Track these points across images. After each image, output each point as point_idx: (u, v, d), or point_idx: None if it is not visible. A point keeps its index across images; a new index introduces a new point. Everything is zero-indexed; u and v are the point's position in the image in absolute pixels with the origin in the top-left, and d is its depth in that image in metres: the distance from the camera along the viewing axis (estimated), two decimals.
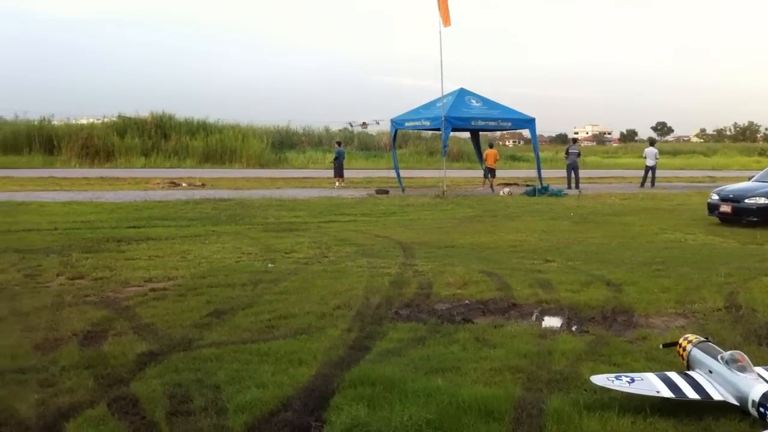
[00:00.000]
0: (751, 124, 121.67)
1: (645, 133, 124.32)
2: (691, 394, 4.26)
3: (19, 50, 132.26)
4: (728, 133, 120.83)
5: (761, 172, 17.17)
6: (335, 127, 60.96)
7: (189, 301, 7.23)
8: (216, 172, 34.84)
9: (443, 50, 25.11)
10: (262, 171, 38.78)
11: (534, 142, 28.47)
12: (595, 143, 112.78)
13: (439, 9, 23.87)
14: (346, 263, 9.71)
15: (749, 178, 17.29)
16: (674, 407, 4.23)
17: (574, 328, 6.34)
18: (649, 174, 29.44)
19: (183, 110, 61.48)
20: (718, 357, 4.42)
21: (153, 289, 7.84)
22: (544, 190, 24.67)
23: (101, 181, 27.69)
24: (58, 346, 5.60)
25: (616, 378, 4.40)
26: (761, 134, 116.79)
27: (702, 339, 4.80)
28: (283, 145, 52.11)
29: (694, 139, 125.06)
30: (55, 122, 47.44)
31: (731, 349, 4.52)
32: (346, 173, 29.87)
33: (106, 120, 48.75)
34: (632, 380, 4.36)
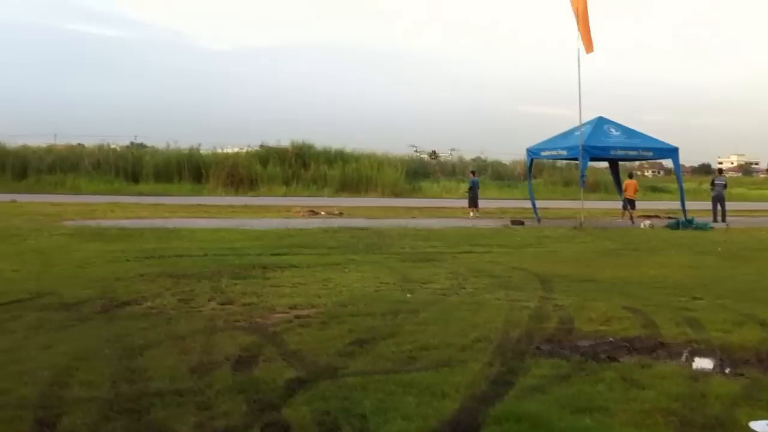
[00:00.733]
0: None
1: None
2: None
3: (174, 81, 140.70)
4: None
5: None
6: (468, 157, 61.06)
7: (332, 329, 7.43)
8: (352, 200, 35.67)
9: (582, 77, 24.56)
10: (396, 200, 39.33)
11: (677, 172, 27.38)
12: (740, 174, 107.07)
13: (581, 34, 23.47)
14: (484, 295, 9.69)
15: None
16: None
17: (727, 371, 6.06)
18: None
19: (321, 138, 63.53)
20: None
21: (298, 316, 8.10)
22: (689, 223, 23.61)
23: (245, 208, 28.92)
24: (213, 370, 5.86)
25: None
26: None
27: None
28: (417, 174, 52.69)
29: None
30: (203, 151, 50.17)
31: None
32: (480, 203, 29.81)
33: (249, 149, 51.08)
34: None
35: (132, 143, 58.09)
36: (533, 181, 34.55)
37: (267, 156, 47.74)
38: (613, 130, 25.67)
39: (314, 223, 22.54)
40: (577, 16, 23.34)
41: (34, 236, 16.61)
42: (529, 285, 10.73)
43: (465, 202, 30.28)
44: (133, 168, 45.53)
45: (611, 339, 7.08)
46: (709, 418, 4.75)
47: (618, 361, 6.28)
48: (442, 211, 30.82)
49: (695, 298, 9.61)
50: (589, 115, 26.55)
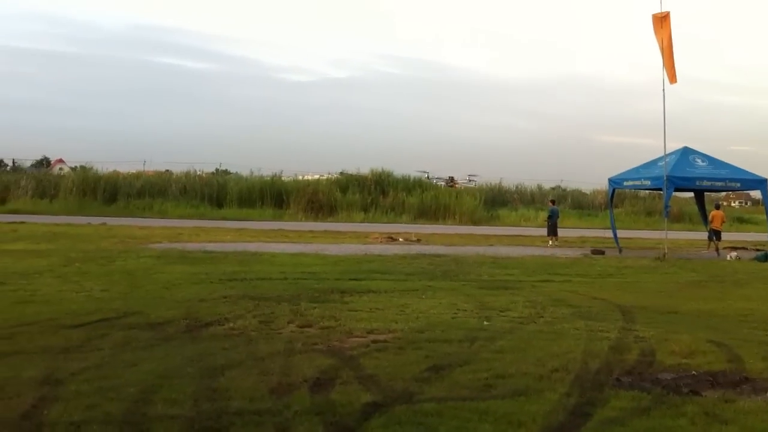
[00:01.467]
0: None
1: None
2: None
3: (257, 111, 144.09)
4: None
5: None
6: (548, 185, 60.40)
7: (408, 355, 7.46)
8: (430, 227, 35.71)
9: (666, 107, 24.18)
10: (474, 228, 39.15)
11: (766, 203, 26.38)
12: None
13: (665, 65, 23.12)
14: (563, 325, 9.55)
15: None
16: None
17: None
18: None
19: (400, 168, 64.10)
20: None
21: (375, 341, 8.16)
22: None
23: (325, 234, 29.29)
24: (291, 391, 5.96)
25: None
26: None
27: None
28: (495, 202, 52.41)
29: None
30: (285, 178, 51.23)
31: None
32: (560, 232, 29.41)
33: (329, 176, 51.91)
34: None
35: (217, 170, 59.84)
36: (615, 211, 33.89)
37: (346, 183, 48.41)
38: (699, 161, 25.06)
39: (392, 249, 22.65)
40: (661, 47, 23.01)
41: (122, 258, 17.23)
42: (610, 315, 10.52)
43: (544, 231, 29.92)
44: (217, 194, 46.78)
45: (694, 372, 6.89)
46: None
47: (701, 395, 6.10)
48: (520, 239, 30.50)
49: None
50: (673, 146, 26.10)
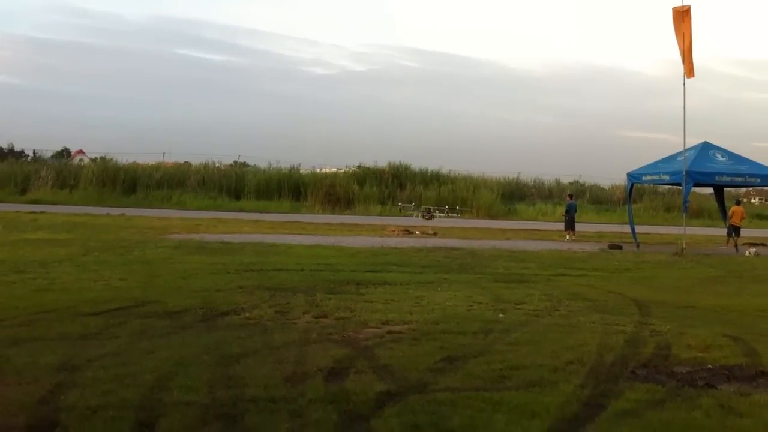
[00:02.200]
0: None
1: None
2: None
3: (276, 103, 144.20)
4: None
5: None
6: (566, 180, 60.12)
7: (423, 346, 7.47)
8: (447, 221, 35.65)
9: (688, 103, 23.93)
10: (491, 222, 39.08)
11: None
12: None
13: (683, 59, 22.93)
14: (578, 318, 9.53)
15: None
16: None
17: None
18: None
19: (418, 161, 63.86)
20: None
21: (390, 332, 8.18)
22: None
23: (342, 226, 29.37)
24: (305, 380, 5.99)
25: None
26: None
27: None
28: (513, 196, 52.27)
29: None
30: (302, 171, 51.35)
31: None
32: (577, 226, 29.29)
33: (347, 169, 52.00)
34: None
35: (235, 162, 60.07)
36: (633, 206, 33.68)
37: (364, 176, 48.48)
38: (719, 156, 24.85)
39: (408, 242, 22.67)
40: (681, 41, 22.81)
41: (140, 248, 17.36)
42: (626, 309, 10.48)
43: (561, 225, 29.83)
44: (236, 185, 47.03)
45: (710, 366, 6.85)
46: None
47: (716, 388, 6.07)
48: (537, 233, 30.41)
49: None
50: (694, 142, 25.89)
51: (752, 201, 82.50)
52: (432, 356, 6.94)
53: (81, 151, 72.65)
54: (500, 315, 9.61)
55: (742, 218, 26.76)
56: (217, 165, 53.14)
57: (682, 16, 22.84)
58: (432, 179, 49.02)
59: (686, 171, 23.21)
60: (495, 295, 11.56)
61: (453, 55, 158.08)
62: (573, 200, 30.56)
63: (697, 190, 34.81)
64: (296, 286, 11.68)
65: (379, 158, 55.44)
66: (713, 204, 35.83)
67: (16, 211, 29.54)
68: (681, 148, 24.28)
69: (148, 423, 4.82)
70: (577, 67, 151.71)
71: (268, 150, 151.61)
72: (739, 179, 25.05)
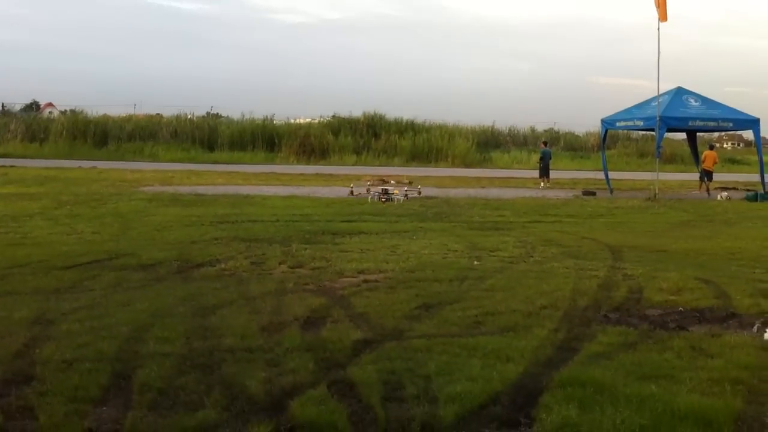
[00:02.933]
0: None
1: None
2: None
3: (249, 53, 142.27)
4: None
5: None
6: (541, 127, 60.09)
7: (399, 294, 7.51)
8: (422, 170, 35.61)
9: (662, 48, 23.76)
10: (466, 170, 39.07)
11: (758, 144, 26.52)
12: None
13: (656, 3, 22.78)
14: (552, 264, 9.63)
15: None
16: None
17: None
18: None
19: (393, 111, 63.41)
20: None
21: (366, 281, 8.22)
22: None
23: (317, 177, 29.24)
24: (282, 329, 6.02)
25: None
26: None
27: None
28: (487, 144, 52.20)
29: None
30: (276, 122, 50.80)
31: None
32: (552, 174, 29.39)
33: (321, 120, 51.56)
34: None
35: (208, 113, 59.12)
36: (607, 153, 33.80)
37: (339, 126, 48.01)
38: (692, 101, 24.93)
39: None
40: None
41: (113, 201, 17.21)
42: (599, 254, 10.60)
43: (536, 173, 29.89)
44: (209, 137, 46.39)
45: (681, 309, 6.97)
46: None
47: (687, 330, 6.18)
48: (512, 181, 30.48)
49: None
50: (668, 87, 25.91)
51: (725, 146, 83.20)
52: (408, 304, 7.00)
53: (50, 104, 71.36)
54: (475, 262, 9.67)
55: (715, 163, 26.97)
56: (189, 117, 52.36)
57: None
58: (407, 128, 48.62)
59: (660, 116, 23.27)
60: (470, 242, 11.62)
61: (430, 3, 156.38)
62: (547, 147, 30.49)
63: (671, 135, 35.01)
64: (271, 237, 11.66)
65: (354, 108, 55.03)
66: (686, 149, 36.15)
67: None
68: (655, 94, 24.31)
69: (125, 374, 4.81)
70: (556, 14, 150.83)
71: (241, 101, 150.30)
72: (712, 124, 25.19)
